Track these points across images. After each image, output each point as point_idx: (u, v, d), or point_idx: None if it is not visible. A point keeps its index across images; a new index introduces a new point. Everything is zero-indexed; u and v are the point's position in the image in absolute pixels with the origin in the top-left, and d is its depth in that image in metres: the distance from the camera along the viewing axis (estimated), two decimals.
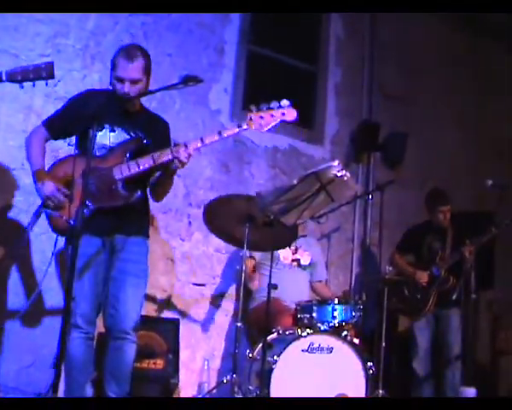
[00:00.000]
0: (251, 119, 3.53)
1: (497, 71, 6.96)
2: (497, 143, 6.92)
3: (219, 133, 3.54)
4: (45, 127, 3.63)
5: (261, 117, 3.52)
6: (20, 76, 2.82)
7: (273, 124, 3.56)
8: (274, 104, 3.54)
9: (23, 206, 4.45)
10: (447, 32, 6.78)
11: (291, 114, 3.57)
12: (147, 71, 3.58)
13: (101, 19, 4.95)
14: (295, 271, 5.03)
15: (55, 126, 3.62)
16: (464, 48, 6.89)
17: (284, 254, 4.96)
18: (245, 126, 3.54)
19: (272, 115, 3.53)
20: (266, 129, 3.55)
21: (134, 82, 3.51)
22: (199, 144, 3.50)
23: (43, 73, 2.83)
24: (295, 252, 5.06)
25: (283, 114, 3.55)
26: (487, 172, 5.91)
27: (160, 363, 4.61)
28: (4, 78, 2.82)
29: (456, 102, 6.78)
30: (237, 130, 3.58)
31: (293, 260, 5.03)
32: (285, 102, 3.55)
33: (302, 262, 5.06)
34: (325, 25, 6.26)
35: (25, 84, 2.86)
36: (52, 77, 2.86)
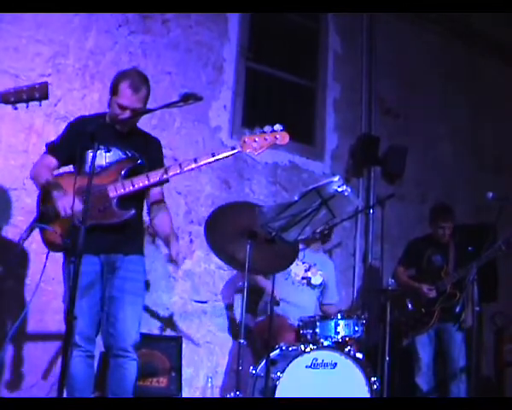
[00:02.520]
0: (245, 141, 3.60)
1: (493, 84, 6.99)
2: (494, 156, 6.94)
3: (213, 155, 3.58)
4: (52, 155, 3.61)
5: (255, 140, 3.59)
6: (13, 97, 2.76)
7: (266, 147, 3.63)
8: (267, 128, 3.62)
9: (24, 226, 4.44)
10: (445, 47, 6.82)
11: (284, 138, 3.63)
12: (147, 98, 3.64)
13: (101, 38, 4.98)
14: (304, 289, 4.96)
15: (62, 153, 3.60)
16: (462, 62, 6.93)
17: (296, 270, 4.92)
18: (238, 149, 3.61)
19: (266, 139, 3.60)
20: (260, 152, 3.62)
21: (136, 110, 3.55)
22: (193, 165, 3.54)
23: (37, 93, 2.76)
24: (308, 270, 5.00)
25: (276, 137, 3.62)
26: (485, 184, 5.92)
27: (162, 381, 4.60)
28: None
29: (454, 116, 6.81)
30: (230, 152, 3.62)
31: (303, 278, 4.97)
32: (278, 127, 3.62)
33: (312, 282, 4.97)
34: (323, 40, 6.29)
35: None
36: (46, 98, 2.79)
